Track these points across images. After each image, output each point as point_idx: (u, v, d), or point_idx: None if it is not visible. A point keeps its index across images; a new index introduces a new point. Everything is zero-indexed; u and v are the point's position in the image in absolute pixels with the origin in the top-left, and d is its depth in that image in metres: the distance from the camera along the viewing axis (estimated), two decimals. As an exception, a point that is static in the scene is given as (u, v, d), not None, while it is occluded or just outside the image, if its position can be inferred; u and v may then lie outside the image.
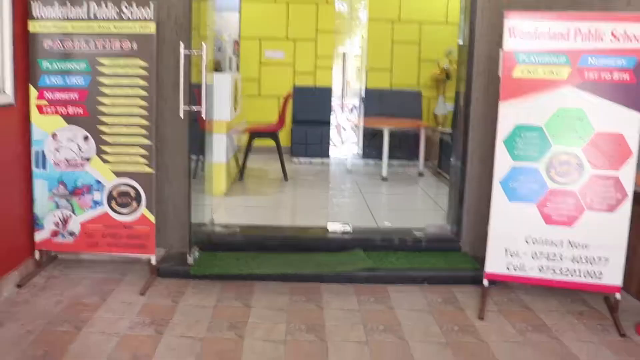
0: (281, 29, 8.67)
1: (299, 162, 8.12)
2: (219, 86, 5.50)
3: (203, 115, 3.57)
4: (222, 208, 5.50)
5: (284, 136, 8.35)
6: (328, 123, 7.81)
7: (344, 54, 4.10)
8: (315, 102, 8.47)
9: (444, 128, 8.13)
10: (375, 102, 8.40)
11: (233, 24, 8.46)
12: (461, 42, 4.31)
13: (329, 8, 8.48)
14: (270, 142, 6.92)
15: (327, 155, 7.88)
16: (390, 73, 8.74)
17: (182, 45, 3.54)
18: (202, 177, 4.57)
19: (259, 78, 8.76)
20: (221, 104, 5.67)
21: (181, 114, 3.58)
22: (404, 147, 7.84)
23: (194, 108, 3.69)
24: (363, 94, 7.97)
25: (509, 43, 3.50)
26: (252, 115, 8.36)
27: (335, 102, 4.43)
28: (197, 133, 4.24)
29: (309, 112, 8.58)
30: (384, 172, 6.98)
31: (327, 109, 7.99)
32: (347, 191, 5.40)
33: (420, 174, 7.39)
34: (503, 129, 3.53)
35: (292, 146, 8.22)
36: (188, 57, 3.66)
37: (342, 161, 4.60)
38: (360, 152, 7.85)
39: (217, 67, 6.00)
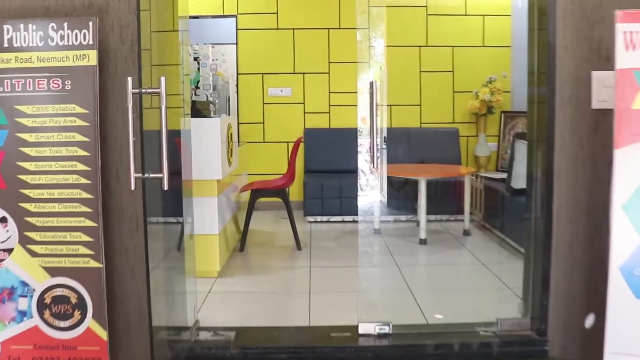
0: (287, 61, 7.89)
1: (315, 221, 7.16)
2: (204, 136, 4.57)
3: (165, 185, 2.57)
4: (213, 298, 4.49)
5: (296, 189, 7.55)
6: (347, 172, 6.84)
7: (371, 84, 3.19)
8: (332, 147, 7.62)
9: (488, 172, 7.24)
10: (402, 143, 7.57)
11: (231, 58, 7.72)
12: (531, 57, 3.38)
13: (343, 34, 7.72)
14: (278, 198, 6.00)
15: (349, 212, 6.91)
16: (419, 108, 7.92)
17: (129, 81, 2.56)
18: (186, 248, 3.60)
19: (262, 120, 7.94)
20: (209, 159, 4.71)
21: (132, 185, 2.59)
22: (441, 197, 6.89)
23: (151, 175, 2.69)
24: (385, 134, 7.05)
25: (625, 58, 2.52)
26: (255, 166, 7.63)
27: (360, 145, 3.54)
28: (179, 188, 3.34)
29: (324, 160, 7.72)
30: (422, 234, 5.98)
31: (346, 154, 7.07)
32: (378, 261, 4.41)
33: (466, 232, 6.37)
34: (621, 188, 2.55)
35: (304, 202, 7.27)
36: (140, 97, 2.70)
37: (367, 218, 3.72)
38: (385, 202, 6.86)
39: (205, 110, 5.06)
